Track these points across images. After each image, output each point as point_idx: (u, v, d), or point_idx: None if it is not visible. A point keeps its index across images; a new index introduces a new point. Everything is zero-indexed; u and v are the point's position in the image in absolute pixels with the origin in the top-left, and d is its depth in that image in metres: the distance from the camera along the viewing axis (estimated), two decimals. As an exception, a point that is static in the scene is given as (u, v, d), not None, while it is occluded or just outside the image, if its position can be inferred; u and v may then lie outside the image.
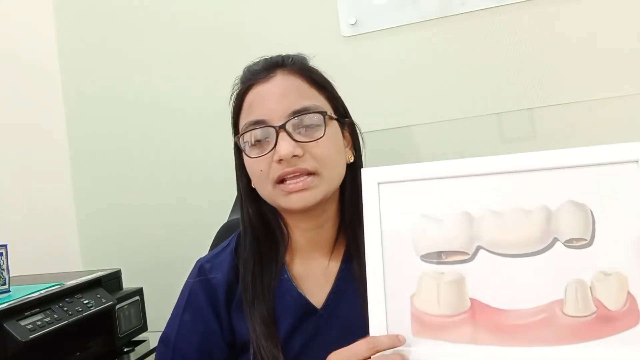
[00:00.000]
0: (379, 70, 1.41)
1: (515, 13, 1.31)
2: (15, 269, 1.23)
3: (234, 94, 0.89)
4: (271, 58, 0.88)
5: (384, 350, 0.67)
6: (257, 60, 0.89)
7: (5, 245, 1.16)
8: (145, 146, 1.65)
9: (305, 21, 1.47)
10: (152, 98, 1.64)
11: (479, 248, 0.69)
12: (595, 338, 0.63)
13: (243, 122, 0.85)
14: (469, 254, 0.69)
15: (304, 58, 0.90)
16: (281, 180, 0.81)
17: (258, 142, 0.83)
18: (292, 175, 0.81)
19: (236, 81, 0.89)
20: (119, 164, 1.68)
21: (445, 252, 0.70)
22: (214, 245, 1.14)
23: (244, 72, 0.89)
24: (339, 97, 0.90)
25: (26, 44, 1.68)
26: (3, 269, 1.15)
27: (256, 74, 0.85)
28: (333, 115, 0.85)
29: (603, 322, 0.63)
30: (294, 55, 0.89)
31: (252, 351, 0.82)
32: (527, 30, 1.31)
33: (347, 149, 0.89)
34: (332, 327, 0.84)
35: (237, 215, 1.24)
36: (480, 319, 0.67)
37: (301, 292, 0.86)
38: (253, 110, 0.83)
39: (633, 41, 1.24)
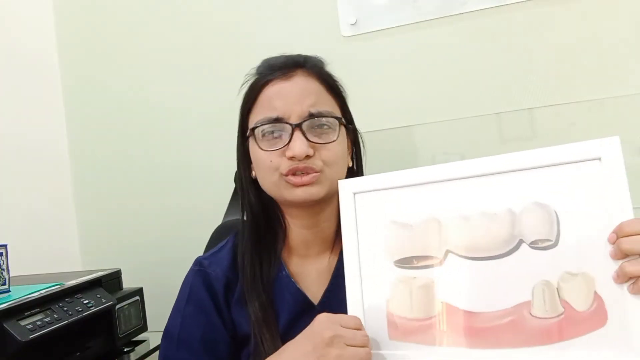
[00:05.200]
0: (379, 70, 1.41)
1: (515, 13, 1.31)
2: (15, 269, 1.23)
3: (249, 84, 0.89)
4: (292, 56, 0.89)
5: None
6: (277, 55, 0.90)
7: (5, 245, 1.16)
8: (145, 147, 1.65)
9: (305, 21, 1.47)
10: (153, 97, 1.64)
11: (447, 252, 0.70)
12: (564, 339, 0.63)
13: (258, 115, 0.86)
14: (439, 258, 0.71)
15: (322, 62, 0.92)
16: (288, 173, 0.83)
17: (270, 135, 0.84)
18: (300, 169, 0.83)
19: (252, 71, 0.90)
20: (119, 164, 1.68)
21: (417, 257, 0.72)
22: (210, 246, 1.15)
23: (263, 65, 0.89)
24: (347, 106, 0.93)
25: (26, 42, 1.68)
26: (3, 269, 1.15)
27: (275, 70, 0.87)
28: (344, 122, 0.88)
29: (571, 323, 0.64)
30: (313, 57, 0.91)
31: (252, 340, 0.84)
32: (527, 30, 1.30)
33: (347, 155, 0.92)
34: None
35: (232, 217, 1.25)
36: (451, 321, 0.68)
37: (299, 287, 0.88)
38: (272, 106, 0.85)
39: (633, 41, 1.24)
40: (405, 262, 0.73)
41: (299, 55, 0.90)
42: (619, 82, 1.25)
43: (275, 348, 0.81)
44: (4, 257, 1.15)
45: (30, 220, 1.61)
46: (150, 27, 1.64)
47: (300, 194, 0.83)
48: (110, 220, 1.69)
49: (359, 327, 0.71)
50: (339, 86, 0.91)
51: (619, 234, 0.63)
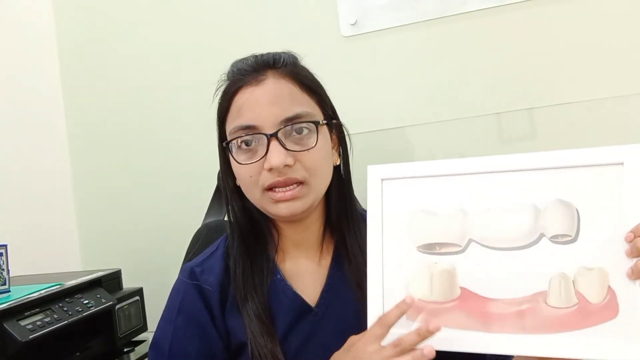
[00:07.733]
0: (379, 70, 1.41)
1: (515, 13, 1.31)
2: (15, 269, 1.23)
3: (221, 92, 0.87)
4: (261, 56, 0.86)
5: (394, 321, 0.69)
6: (245, 57, 0.87)
7: (5, 245, 1.16)
8: (146, 146, 1.65)
9: (305, 21, 1.47)
10: (152, 100, 1.64)
11: (470, 241, 0.73)
12: (576, 328, 0.67)
13: (232, 124, 0.83)
14: (461, 246, 0.74)
15: (295, 58, 0.88)
16: (270, 188, 0.81)
17: (247, 147, 0.82)
18: (282, 184, 0.80)
19: (222, 77, 0.87)
20: (119, 164, 1.68)
21: (440, 243, 0.75)
22: (191, 249, 1.14)
23: (232, 70, 0.86)
24: (328, 99, 0.89)
25: (25, 38, 1.68)
26: (3, 269, 1.15)
27: (246, 75, 0.83)
28: (323, 121, 0.84)
29: (584, 314, 0.67)
30: (284, 54, 0.87)
31: (250, 350, 0.82)
32: (527, 30, 1.30)
33: (334, 151, 0.89)
34: (327, 325, 0.85)
35: (213, 218, 1.25)
36: (469, 306, 0.71)
37: (296, 291, 0.86)
38: (243, 115, 0.82)
39: (633, 41, 1.24)
40: (428, 248, 0.75)
41: (268, 55, 0.86)
42: (619, 82, 1.25)
43: (274, 355, 0.80)
44: (4, 257, 1.15)
45: (30, 220, 1.61)
46: (149, 28, 1.63)
47: (284, 209, 0.81)
48: (110, 221, 1.69)
49: (387, 328, 0.70)
50: (314, 82, 0.87)
51: (636, 234, 0.66)
